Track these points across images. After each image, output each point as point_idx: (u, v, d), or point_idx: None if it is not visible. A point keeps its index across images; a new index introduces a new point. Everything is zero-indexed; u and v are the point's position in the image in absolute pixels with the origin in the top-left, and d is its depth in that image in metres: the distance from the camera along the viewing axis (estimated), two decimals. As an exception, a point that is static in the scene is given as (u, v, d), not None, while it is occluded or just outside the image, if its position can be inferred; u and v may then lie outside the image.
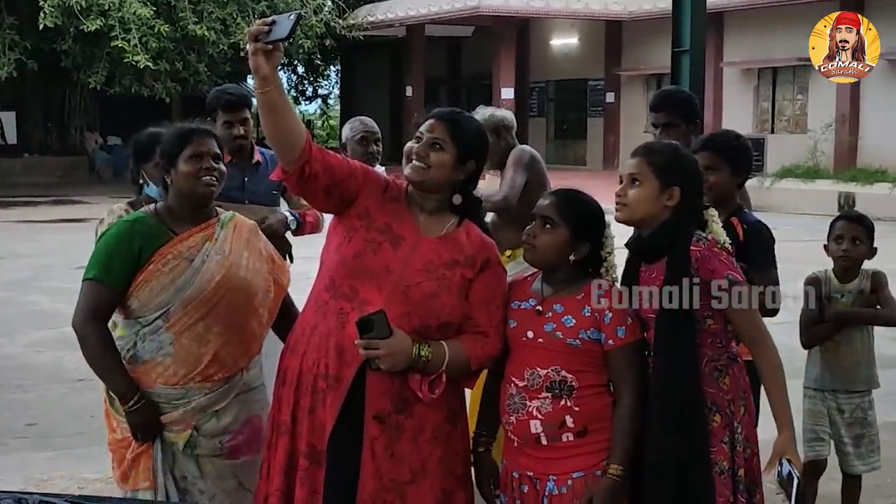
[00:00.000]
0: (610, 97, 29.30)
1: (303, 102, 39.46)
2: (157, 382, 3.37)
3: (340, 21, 27.82)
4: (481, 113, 5.17)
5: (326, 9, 27.64)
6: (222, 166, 3.46)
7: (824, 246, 4.57)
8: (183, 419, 3.39)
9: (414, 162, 3.13)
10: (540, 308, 3.17)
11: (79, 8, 23.34)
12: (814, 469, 4.51)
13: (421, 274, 3.09)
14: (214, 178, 3.41)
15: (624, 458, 3.08)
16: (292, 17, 2.86)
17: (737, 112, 25.44)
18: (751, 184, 4.12)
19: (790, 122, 25.19)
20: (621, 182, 3.23)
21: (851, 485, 4.64)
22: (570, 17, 27.95)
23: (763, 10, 24.11)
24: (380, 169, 4.70)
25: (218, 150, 3.46)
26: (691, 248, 3.11)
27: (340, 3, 28.32)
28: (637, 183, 3.19)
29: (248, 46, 2.91)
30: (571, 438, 3.11)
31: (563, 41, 30.49)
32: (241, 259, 3.46)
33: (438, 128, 3.14)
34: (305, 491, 3.06)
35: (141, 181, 4.05)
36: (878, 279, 4.57)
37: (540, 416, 3.11)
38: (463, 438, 3.24)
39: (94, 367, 3.39)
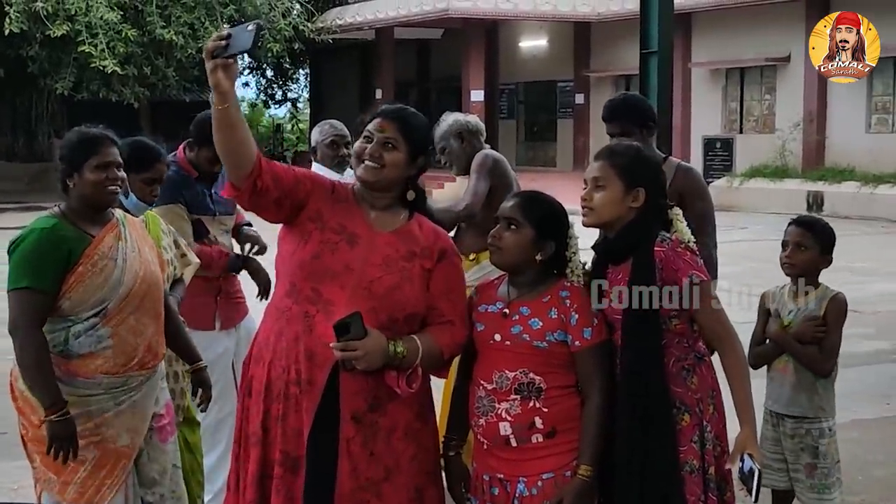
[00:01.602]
0: (579, 98, 29.32)
1: (272, 106, 39.33)
2: (98, 373, 3.48)
3: (309, 24, 27.70)
4: (447, 119, 5.15)
5: (295, 12, 27.53)
6: (123, 173, 3.57)
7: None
8: (132, 423, 3.53)
9: (367, 162, 3.13)
10: (507, 311, 3.18)
11: (45, 13, 23.11)
12: (775, 497, 4.23)
13: (381, 269, 3.10)
14: (118, 187, 3.55)
15: (593, 459, 3.10)
16: (251, 27, 2.78)
17: (705, 112, 25.57)
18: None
19: (758, 122, 25.31)
20: (586, 185, 3.25)
21: None
22: (539, 19, 27.94)
23: (731, 10, 24.20)
24: (350, 172, 4.67)
25: (120, 160, 3.56)
26: (655, 248, 3.13)
27: (309, 6, 28.19)
28: (601, 186, 3.20)
29: (206, 64, 2.86)
30: (541, 440, 3.12)
31: (532, 43, 30.51)
32: (147, 255, 3.65)
33: (389, 127, 3.14)
34: (281, 499, 3.05)
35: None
36: (833, 306, 4.02)
37: (509, 418, 3.12)
38: (432, 436, 3.26)
39: (31, 374, 3.42)
